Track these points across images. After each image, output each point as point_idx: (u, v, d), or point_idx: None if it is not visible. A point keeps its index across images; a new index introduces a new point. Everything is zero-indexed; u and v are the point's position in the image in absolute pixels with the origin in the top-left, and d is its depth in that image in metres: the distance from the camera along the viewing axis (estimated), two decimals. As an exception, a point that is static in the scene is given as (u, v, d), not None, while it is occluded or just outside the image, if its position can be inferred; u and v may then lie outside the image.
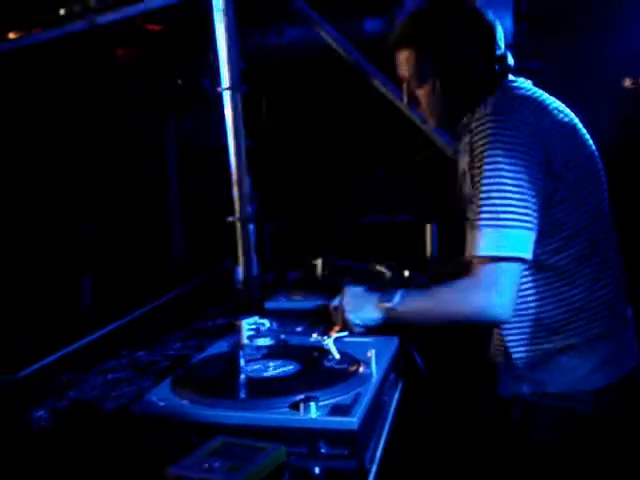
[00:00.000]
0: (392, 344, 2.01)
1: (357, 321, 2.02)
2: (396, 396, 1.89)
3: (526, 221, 1.71)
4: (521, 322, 1.88)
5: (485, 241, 1.71)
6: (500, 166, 1.71)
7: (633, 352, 1.94)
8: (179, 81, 4.51)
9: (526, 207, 1.71)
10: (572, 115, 1.92)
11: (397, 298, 1.93)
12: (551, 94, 1.94)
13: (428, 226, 3.11)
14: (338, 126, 4.40)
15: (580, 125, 1.92)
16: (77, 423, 1.71)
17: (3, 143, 3.84)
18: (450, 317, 1.84)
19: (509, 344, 1.91)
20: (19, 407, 1.81)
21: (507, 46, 1.96)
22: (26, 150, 4.02)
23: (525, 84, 1.93)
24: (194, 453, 1.32)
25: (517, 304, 1.81)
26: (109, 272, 4.41)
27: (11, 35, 3.50)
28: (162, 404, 1.61)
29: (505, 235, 1.70)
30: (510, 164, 1.70)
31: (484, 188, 1.73)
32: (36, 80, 3.92)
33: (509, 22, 3.49)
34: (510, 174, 1.70)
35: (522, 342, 1.89)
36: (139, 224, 4.67)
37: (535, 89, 1.92)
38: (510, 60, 1.94)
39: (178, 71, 4.51)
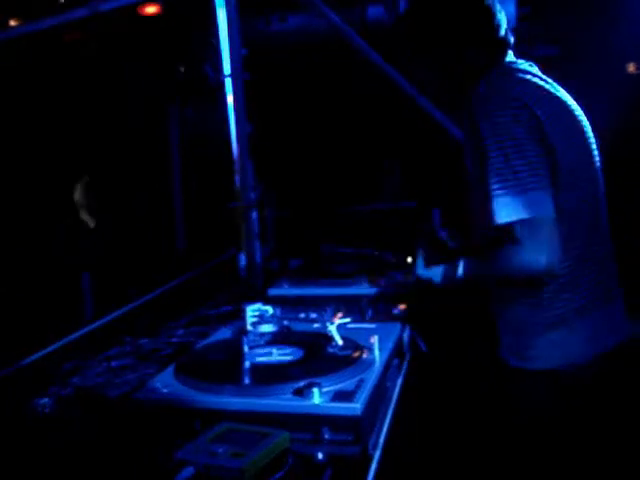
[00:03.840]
0: (395, 330, 2.01)
1: (424, 276, 2.10)
2: (399, 382, 1.90)
3: (536, 182, 1.75)
4: (509, 297, 1.96)
5: (503, 208, 1.76)
6: (502, 143, 1.77)
7: (619, 328, 1.97)
8: (181, 68, 4.50)
9: (535, 168, 1.76)
10: (567, 97, 1.97)
11: (460, 270, 1.97)
12: (554, 78, 1.97)
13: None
14: (341, 113, 4.39)
15: (575, 107, 1.97)
16: (81, 410, 1.72)
17: (3, 135, 3.84)
18: (508, 278, 1.91)
19: (500, 319, 2.02)
20: (23, 394, 1.81)
21: (510, 29, 2.00)
22: (28, 139, 4.02)
23: (523, 65, 1.98)
24: (198, 439, 1.32)
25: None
26: (113, 262, 4.42)
27: (12, 23, 3.49)
28: (166, 391, 1.61)
29: (521, 199, 1.75)
30: (509, 137, 1.76)
31: (491, 160, 1.78)
32: (37, 68, 3.91)
33: (512, 6, 3.47)
34: (511, 146, 1.76)
35: (510, 317, 1.97)
36: (142, 213, 4.67)
37: (531, 69, 1.97)
38: (510, 40, 2.00)
39: (180, 58, 4.50)
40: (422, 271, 2.11)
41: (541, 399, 1.93)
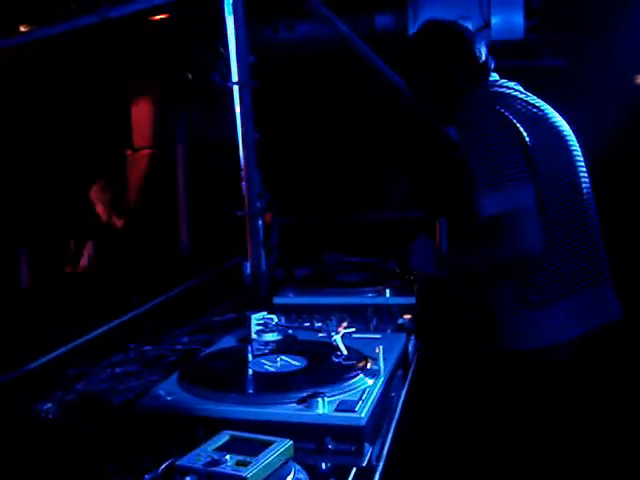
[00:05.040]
0: (400, 341, 2.01)
1: (417, 269, 2.39)
2: (404, 393, 1.89)
3: (517, 178, 2.00)
4: (505, 282, 2.14)
5: (489, 202, 2.01)
6: (486, 142, 2.04)
7: (610, 308, 2.16)
8: (189, 75, 4.51)
9: (516, 166, 2.01)
10: (547, 109, 2.25)
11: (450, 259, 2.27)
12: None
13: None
14: (347, 121, 4.39)
15: (552, 116, 2.24)
16: (84, 416, 1.72)
17: (11, 137, 3.85)
18: (495, 265, 2.13)
19: (496, 302, 2.19)
20: (27, 400, 1.81)
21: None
22: (29, 145, 4.03)
23: (506, 83, 2.28)
24: (201, 447, 1.32)
25: None
26: (117, 266, 4.42)
27: (22, 28, 3.50)
28: (169, 398, 1.61)
29: (504, 193, 1.99)
30: (492, 137, 2.04)
31: (478, 159, 2.04)
32: (45, 74, 3.92)
33: (520, 18, 3.47)
34: (494, 145, 2.03)
35: (506, 299, 2.14)
36: (148, 219, 4.67)
37: (513, 86, 2.27)
38: (491, 65, 2.32)
39: (188, 65, 4.50)
40: (416, 265, 2.37)
41: (534, 378, 2.09)
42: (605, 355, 2.09)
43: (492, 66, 2.35)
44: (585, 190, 2.22)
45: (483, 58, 2.32)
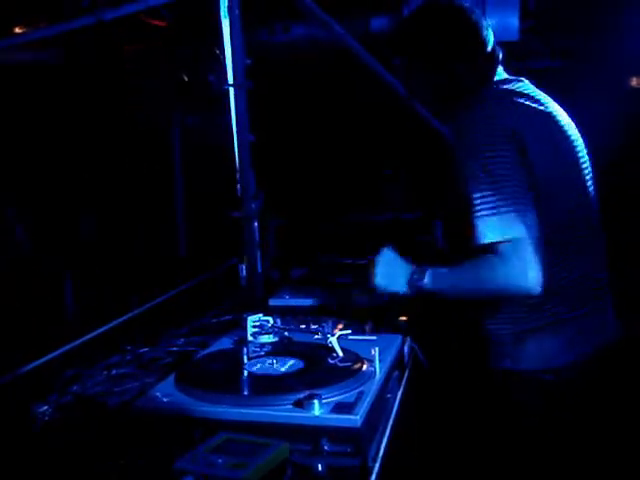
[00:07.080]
0: (396, 342, 2.01)
1: (383, 287, 2.10)
2: (399, 394, 1.89)
3: (521, 203, 1.79)
4: (504, 303, 1.97)
5: (489, 228, 1.79)
6: (487, 160, 1.81)
7: (606, 328, 2.02)
8: (184, 77, 4.51)
9: (516, 192, 1.79)
10: (557, 111, 2.01)
11: (427, 277, 1.97)
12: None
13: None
14: (344, 124, 4.40)
15: (564, 122, 2.01)
16: (80, 418, 1.72)
17: (7, 139, 3.84)
18: (483, 292, 1.91)
19: (494, 323, 2.01)
20: (23, 402, 1.81)
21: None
22: (27, 148, 4.02)
23: (515, 85, 2.01)
24: (197, 448, 1.32)
25: None
26: (114, 268, 4.41)
27: (17, 30, 3.49)
28: (166, 400, 1.61)
29: (507, 219, 1.77)
30: (494, 157, 1.81)
31: (474, 180, 1.82)
32: (41, 76, 3.92)
33: (515, 19, 3.47)
34: (496, 165, 1.80)
35: (503, 322, 1.98)
36: (143, 221, 4.67)
37: (521, 85, 2.01)
38: (499, 56, 2.04)
39: (184, 67, 4.50)
40: (381, 283, 2.10)
41: (528, 400, 1.98)
42: (606, 378, 2.00)
43: (500, 58, 2.04)
44: (593, 207, 2.02)
45: (489, 48, 2.01)
